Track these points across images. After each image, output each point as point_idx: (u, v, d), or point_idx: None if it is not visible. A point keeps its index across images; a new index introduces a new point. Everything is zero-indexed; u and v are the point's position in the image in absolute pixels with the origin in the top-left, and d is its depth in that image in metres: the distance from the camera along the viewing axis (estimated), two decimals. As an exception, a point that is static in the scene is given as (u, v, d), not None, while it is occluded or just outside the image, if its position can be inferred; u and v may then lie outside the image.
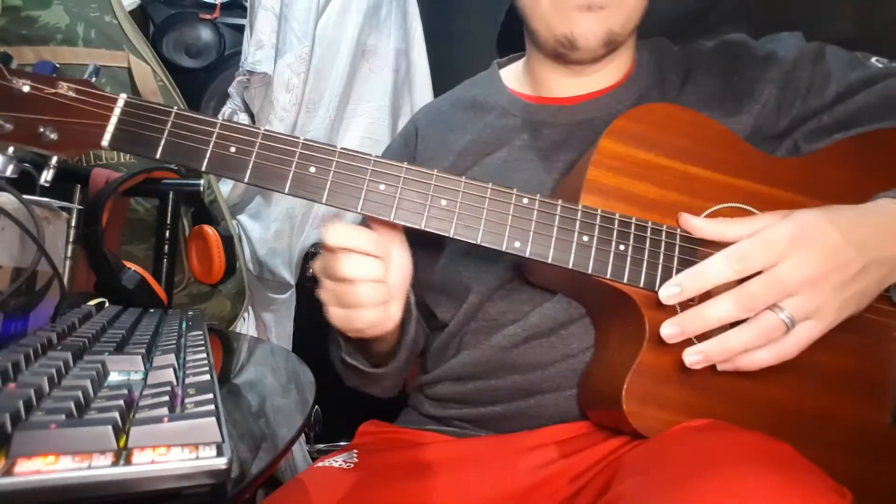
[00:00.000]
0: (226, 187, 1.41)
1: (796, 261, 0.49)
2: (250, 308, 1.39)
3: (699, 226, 0.56)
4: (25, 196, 0.57)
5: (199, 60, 1.64)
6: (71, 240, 0.89)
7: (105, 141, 0.53)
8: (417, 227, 0.55)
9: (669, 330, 0.51)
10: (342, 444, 1.30)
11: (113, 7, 1.15)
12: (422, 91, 1.58)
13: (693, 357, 0.51)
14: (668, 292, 0.52)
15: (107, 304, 0.74)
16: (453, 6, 1.67)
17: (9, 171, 0.54)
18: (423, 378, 0.75)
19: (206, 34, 1.65)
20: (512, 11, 0.77)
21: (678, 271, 0.57)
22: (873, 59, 0.68)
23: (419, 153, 0.76)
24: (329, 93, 1.44)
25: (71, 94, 0.53)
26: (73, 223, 0.90)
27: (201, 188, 1.03)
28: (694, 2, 0.99)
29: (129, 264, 0.86)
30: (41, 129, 0.53)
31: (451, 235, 0.55)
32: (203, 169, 0.54)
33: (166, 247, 1.02)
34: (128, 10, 1.20)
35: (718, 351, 0.51)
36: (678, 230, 0.58)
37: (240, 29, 1.55)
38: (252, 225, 1.47)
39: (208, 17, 1.64)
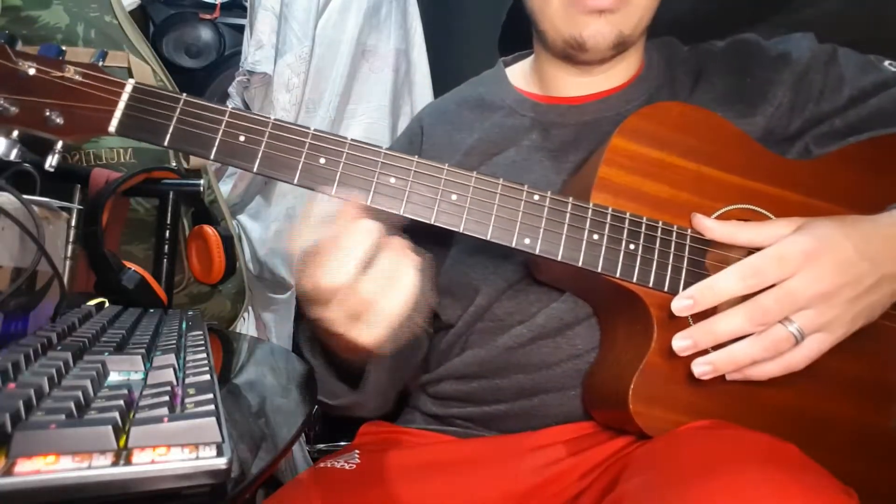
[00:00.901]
0: (226, 187, 1.40)
1: (809, 276, 0.49)
2: (250, 308, 1.39)
3: (711, 227, 0.56)
4: (25, 196, 0.57)
5: (199, 60, 1.64)
6: (71, 240, 0.89)
7: (112, 127, 0.53)
8: (427, 221, 0.55)
9: (681, 343, 0.52)
10: (342, 444, 1.30)
11: (113, 7, 1.15)
12: (422, 91, 1.58)
13: (702, 368, 0.52)
14: (681, 304, 0.52)
15: (107, 304, 0.74)
16: (453, 6, 1.67)
17: (12, 155, 0.53)
18: (425, 377, 0.75)
19: (206, 34, 1.64)
20: (514, 11, 0.77)
21: (688, 272, 0.57)
22: (886, 63, 0.68)
23: (424, 152, 0.76)
24: (329, 93, 1.44)
25: (78, 77, 0.53)
26: (73, 223, 0.89)
27: (201, 188, 1.03)
28: (703, 2, 0.99)
29: (129, 264, 0.86)
30: (47, 113, 0.52)
31: (461, 230, 0.55)
32: (212, 158, 0.53)
33: (166, 247, 1.02)
34: (128, 10, 1.19)
35: (727, 362, 0.51)
36: (689, 230, 0.58)
37: (240, 29, 1.55)
38: (252, 225, 1.47)
39: (208, 17, 1.64)
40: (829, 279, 0.49)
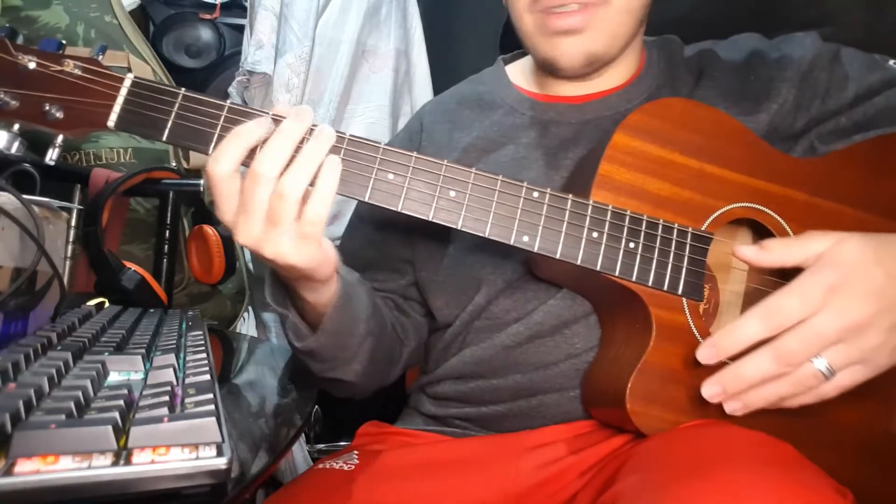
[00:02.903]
0: (226, 187, 1.40)
1: (835, 310, 0.47)
2: (250, 308, 1.39)
3: (754, 258, 0.53)
4: (25, 196, 0.57)
5: (199, 60, 1.64)
6: (71, 240, 0.89)
7: (111, 121, 0.53)
8: (425, 217, 0.54)
9: (711, 390, 0.50)
10: (342, 444, 1.30)
11: (113, 7, 1.15)
12: (422, 91, 1.58)
13: (733, 405, 0.50)
14: (705, 353, 0.50)
15: (107, 304, 0.74)
16: (453, 6, 1.67)
17: (14, 149, 0.53)
18: (424, 377, 0.75)
19: (206, 34, 1.65)
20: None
21: (688, 271, 0.57)
22: (891, 62, 0.68)
23: (423, 149, 0.76)
24: (329, 93, 1.44)
25: (77, 72, 0.53)
26: (73, 223, 0.90)
27: (201, 188, 1.03)
28: (703, 5, 0.99)
29: (129, 264, 0.86)
30: (46, 107, 0.52)
31: (459, 227, 0.54)
32: (210, 153, 0.53)
33: (166, 247, 1.02)
34: (128, 10, 1.20)
35: (757, 401, 0.50)
36: (690, 229, 0.58)
37: (240, 29, 1.55)
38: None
39: (208, 17, 1.64)
40: (857, 310, 0.47)
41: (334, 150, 0.53)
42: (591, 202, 0.56)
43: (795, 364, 0.48)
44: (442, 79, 1.57)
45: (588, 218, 0.56)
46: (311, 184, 0.50)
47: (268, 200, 0.49)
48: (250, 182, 0.49)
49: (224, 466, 0.30)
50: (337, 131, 0.54)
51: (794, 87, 0.67)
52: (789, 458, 0.45)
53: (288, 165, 0.49)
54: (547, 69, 0.69)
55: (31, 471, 0.27)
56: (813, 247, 0.51)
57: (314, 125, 0.52)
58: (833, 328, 0.47)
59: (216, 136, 0.53)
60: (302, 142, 0.51)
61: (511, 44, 0.83)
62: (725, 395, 0.50)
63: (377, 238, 0.75)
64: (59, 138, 0.54)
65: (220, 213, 0.51)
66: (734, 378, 0.50)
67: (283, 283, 0.60)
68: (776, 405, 0.50)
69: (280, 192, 0.48)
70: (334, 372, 0.65)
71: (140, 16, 1.58)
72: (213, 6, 1.64)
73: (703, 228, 0.58)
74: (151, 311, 0.73)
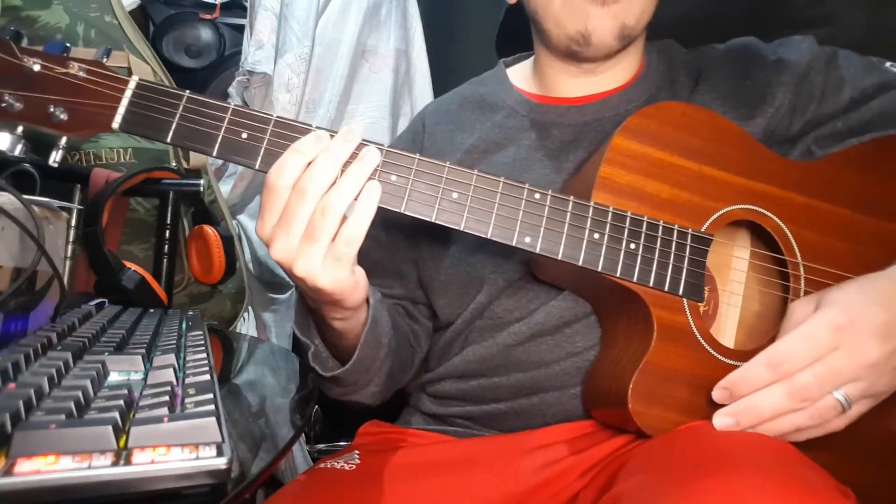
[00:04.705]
0: (226, 187, 1.40)
1: (851, 349, 0.48)
2: (250, 308, 1.39)
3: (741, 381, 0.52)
4: (25, 196, 0.57)
5: (199, 60, 1.64)
6: (71, 240, 0.89)
7: (115, 123, 0.53)
8: (428, 219, 0.55)
9: (723, 421, 0.50)
10: (342, 444, 1.30)
11: (113, 7, 1.14)
12: (422, 91, 1.58)
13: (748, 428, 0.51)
14: (719, 395, 0.52)
15: (107, 304, 0.74)
16: (453, 6, 1.67)
17: (17, 151, 0.54)
18: (425, 376, 0.75)
19: (206, 34, 1.65)
20: (512, 12, 0.77)
21: (688, 272, 0.57)
22: (888, 64, 0.68)
23: (426, 150, 0.76)
24: (329, 93, 1.44)
25: (82, 74, 0.53)
26: (73, 223, 0.89)
27: (201, 188, 1.03)
28: (702, 4, 0.99)
29: (129, 264, 0.86)
30: (51, 109, 0.52)
31: (462, 229, 0.55)
32: (214, 154, 0.53)
33: (166, 247, 1.02)
34: (128, 10, 1.19)
35: (770, 431, 0.50)
36: (690, 230, 0.58)
37: (240, 29, 1.55)
38: (252, 225, 1.47)
39: (208, 17, 1.64)
40: (875, 349, 0.48)
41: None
42: (592, 204, 0.56)
43: (810, 400, 0.48)
44: (442, 79, 1.57)
45: (589, 219, 0.56)
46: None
47: (309, 216, 0.50)
48: (296, 196, 0.50)
49: (224, 466, 0.30)
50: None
51: (789, 90, 0.67)
52: (791, 457, 0.45)
53: (333, 183, 0.51)
54: (572, 51, 0.67)
55: (31, 471, 0.27)
56: (798, 316, 0.52)
57: (365, 141, 0.53)
58: (850, 367, 0.48)
59: (220, 137, 0.53)
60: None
61: (507, 48, 0.83)
62: (739, 427, 0.50)
63: (384, 239, 0.75)
64: (63, 140, 0.55)
65: (260, 224, 0.52)
66: (749, 411, 0.50)
67: (309, 313, 0.62)
68: (791, 438, 0.50)
69: (324, 207, 0.50)
70: (352, 396, 0.66)
71: (140, 16, 1.57)
72: (213, 6, 1.64)
73: (702, 230, 0.58)
74: (151, 311, 0.73)
